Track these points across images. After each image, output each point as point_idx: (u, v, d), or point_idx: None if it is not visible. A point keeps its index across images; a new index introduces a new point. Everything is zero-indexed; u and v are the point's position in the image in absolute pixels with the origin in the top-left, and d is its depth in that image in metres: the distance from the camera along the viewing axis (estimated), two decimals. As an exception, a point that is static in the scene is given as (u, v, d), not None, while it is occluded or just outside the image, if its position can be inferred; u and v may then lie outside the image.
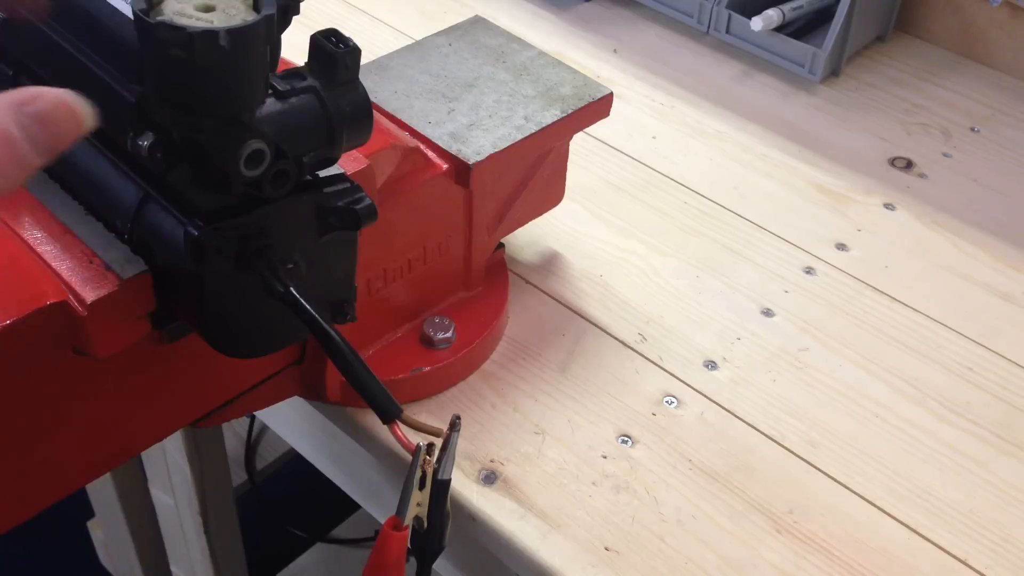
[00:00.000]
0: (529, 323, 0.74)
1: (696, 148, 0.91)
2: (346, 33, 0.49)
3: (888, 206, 0.87)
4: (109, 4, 0.47)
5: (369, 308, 0.64)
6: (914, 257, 0.82)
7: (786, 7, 0.99)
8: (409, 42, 0.83)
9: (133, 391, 0.56)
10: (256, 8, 0.45)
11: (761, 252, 0.81)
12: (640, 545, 0.61)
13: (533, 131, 0.67)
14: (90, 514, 1.50)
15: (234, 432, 1.63)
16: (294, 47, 0.56)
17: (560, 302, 0.76)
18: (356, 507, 1.61)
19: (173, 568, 1.40)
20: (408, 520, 0.52)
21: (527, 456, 0.65)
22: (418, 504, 0.53)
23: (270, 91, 0.47)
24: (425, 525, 0.54)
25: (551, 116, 0.68)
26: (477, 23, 0.76)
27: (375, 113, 0.51)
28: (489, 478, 0.64)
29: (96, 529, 1.54)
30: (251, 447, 1.63)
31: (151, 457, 1.19)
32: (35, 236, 0.51)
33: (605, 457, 0.66)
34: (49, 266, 0.49)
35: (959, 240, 0.84)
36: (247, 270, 0.48)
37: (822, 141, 0.93)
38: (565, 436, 0.67)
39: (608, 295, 0.76)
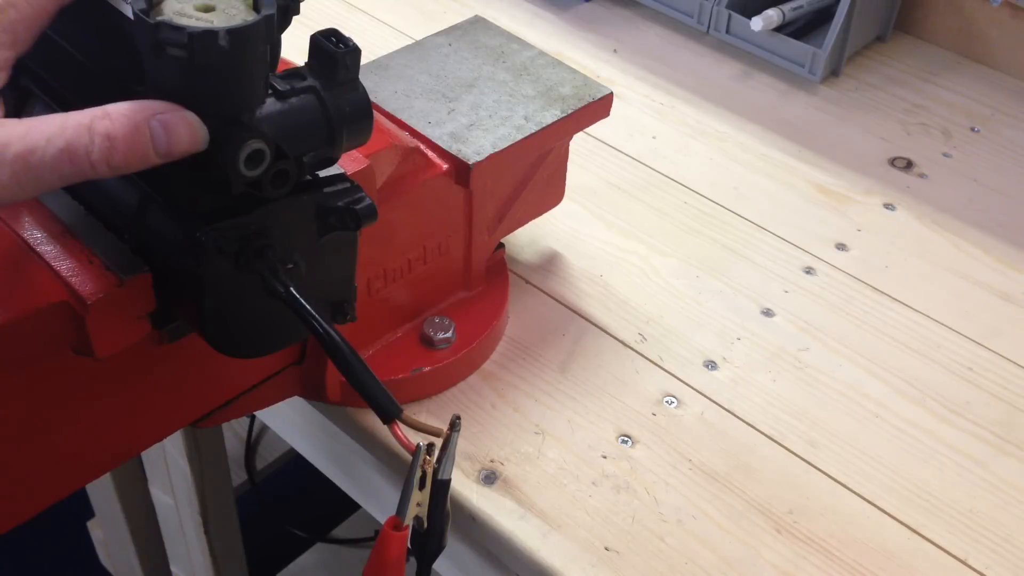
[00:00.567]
0: (529, 323, 0.74)
1: (696, 148, 0.91)
2: (346, 33, 0.49)
3: (888, 206, 0.87)
4: (109, 4, 0.47)
5: (369, 308, 0.64)
6: (914, 257, 0.82)
7: (786, 7, 0.99)
8: (409, 42, 0.84)
9: (133, 391, 0.56)
10: (256, 8, 0.45)
11: (761, 252, 0.81)
12: (640, 545, 0.61)
13: (533, 131, 0.67)
14: (90, 514, 1.50)
15: (234, 432, 1.63)
16: (294, 47, 0.56)
17: (560, 302, 0.76)
18: (356, 507, 1.61)
19: (173, 568, 1.40)
20: (408, 520, 0.52)
21: (527, 456, 0.65)
22: (418, 504, 0.53)
23: (270, 91, 0.47)
24: (425, 525, 0.54)
25: (551, 116, 0.68)
26: (477, 23, 0.76)
27: (375, 113, 0.51)
28: (489, 478, 0.64)
29: (96, 529, 1.54)
30: (251, 447, 1.63)
31: (151, 457, 1.19)
32: (35, 236, 0.51)
33: (605, 457, 0.66)
34: (49, 266, 0.49)
35: (959, 240, 0.84)
36: (247, 270, 0.48)
37: (822, 141, 0.93)
38: (565, 436, 0.67)
39: (608, 295, 0.76)
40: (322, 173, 0.52)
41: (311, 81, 0.49)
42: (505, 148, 0.66)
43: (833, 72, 1.01)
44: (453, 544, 0.58)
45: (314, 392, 0.66)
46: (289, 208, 0.49)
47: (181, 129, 0.44)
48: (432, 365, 0.67)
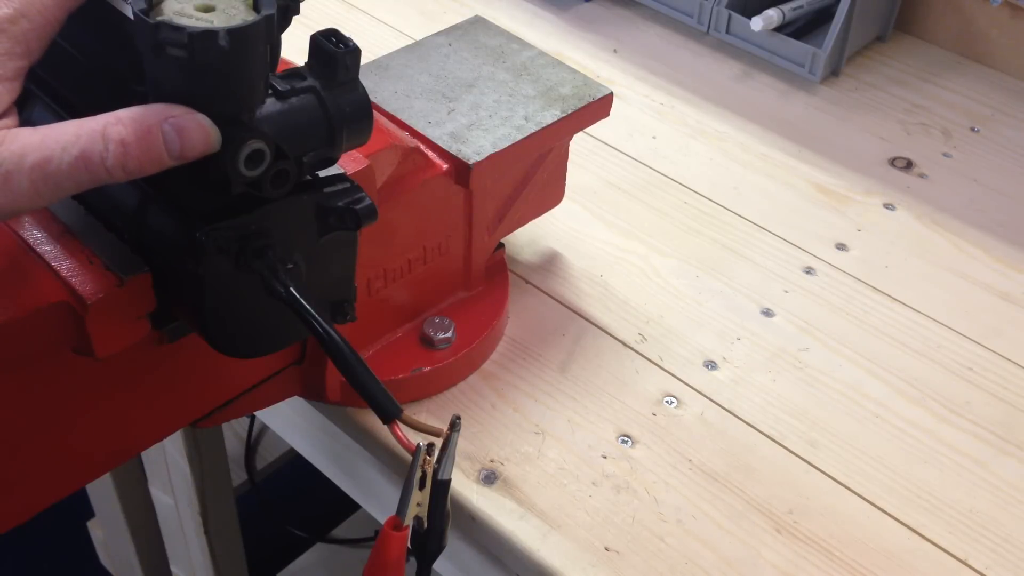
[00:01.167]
0: (529, 323, 0.74)
1: (696, 148, 0.91)
2: (346, 33, 0.49)
3: (888, 206, 0.87)
4: (109, 4, 0.47)
5: (369, 308, 0.64)
6: (914, 257, 0.82)
7: (786, 7, 0.99)
8: (409, 42, 0.84)
9: (133, 391, 0.56)
10: (256, 8, 0.45)
11: (761, 252, 0.81)
12: (640, 545, 0.61)
13: (533, 131, 0.67)
14: (90, 514, 1.50)
15: (234, 432, 1.63)
16: (294, 47, 0.56)
17: (560, 302, 0.76)
18: (356, 507, 1.61)
19: (173, 568, 1.40)
20: (408, 520, 0.52)
21: (527, 456, 0.65)
22: (418, 504, 0.53)
23: (270, 91, 0.47)
24: (425, 525, 0.54)
25: (551, 116, 0.68)
26: (477, 23, 0.76)
27: (375, 113, 0.51)
28: (489, 478, 0.64)
29: (96, 529, 1.54)
30: (251, 447, 1.63)
31: (151, 457, 1.19)
32: (35, 236, 0.51)
33: (605, 457, 0.66)
34: (49, 266, 0.49)
35: (959, 240, 0.84)
36: (247, 270, 0.48)
37: (822, 141, 0.93)
38: (565, 436, 0.67)
39: (608, 295, 0.76)
40: (322, 173, 0.52)
41: (311, 81, 0.49)
42: (505, 148, 0.66)
43: (833, 72, 1.01)
44: (453, 544, 0.58)
45: (314, 392, 0.66)
46: (289, 208, 0.49)
47: (194, 132, 0.44)
48: (432, 365, 0.67)
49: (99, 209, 0.52)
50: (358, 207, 0.51)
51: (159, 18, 0.43)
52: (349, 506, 1.62)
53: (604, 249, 0.80)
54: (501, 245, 0.75)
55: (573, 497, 0.63)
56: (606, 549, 0.61)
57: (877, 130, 0.95)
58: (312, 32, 0.49)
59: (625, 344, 0.73)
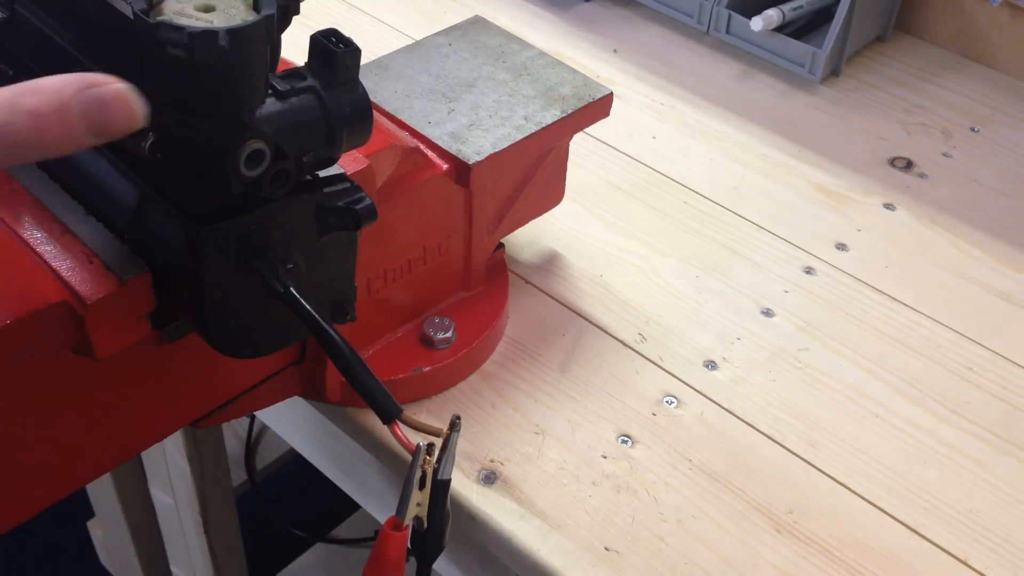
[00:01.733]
0: (529, 323, 0.74)
1: (696, 148, 0.91)
2: (346, 33, 0.49)
3: (888, 206, 0.87)
4: (109, 4, 0.47)
5: (369, 308, 0.64)
6: (914, 257, 0.82)
7: (786, 7, 0.99)
8: (409, 42, 0.84)
9: (133, 391, 0.56)
10: (256, 8, 0.45)
11: (761, 252, 0.81)
12: (640, 545, 0.61)
13: (533, 131, 0.67)
14: (90, 514, 1.50)
15: (234, 432, 1.63)
16: (294, 47, 0.56)
17: (560, 302, 0.76)
18: (356, 507, 1.61)
19: (173, 568, 1.40)
20: (408, 520, 0.52)
21: (527, 456, 0.65)
22: (418, 504, 0.53)
23: (270, 91, 0.47)
24: (425, 525, 0.54)
25: (551, 116, 0.68)
26: (477, 23, 0.76)
27: (375, 113, 0.51)
28: (489, 478, 0.64)
29: (96, 529, 1.54)
30: (251, 447, 1.63)
31: (151, 457, 1.19)
32: (35, 236, 0.51)
33: (605, 457, 0.66)
34: (49, 266, 0.49)
35: (959, 240, 0.84)
36: (247, 270, 0.48)
37: (822, 141, 0.93)
38: (565, 436, 0.67)
39: (608, 295, 0.76)
40: (322, 173, 0.52)
41: (311, 81, 0.49)
42: (505, 148, 0.66)
43: (833, 72, 1.01)
44: (453, 544, 0.58)
45: (314, 392, 0.66)
46: (289, 208, 0.49)
47: (114, 105, 0.39)
48: (432, 365, 0.67)
49: (99, 209, 0.52)
50: (358, 207, 0.51)
51: (159, 18, 0.43)
52: (349, 506, 1.62)
53: (604, 249, 0.80)
54: (501, 245, 0.75)
55: (573, 497, 0.63)
56: (606, 549, 0.61)
57: (877, 130, 0.95)
58: (312, 32, 0.49)
59: (625, 344, 0.73)
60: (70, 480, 0.57)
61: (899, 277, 0.80)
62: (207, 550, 1.24)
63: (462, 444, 0.65)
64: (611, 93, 0.71)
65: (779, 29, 1.00)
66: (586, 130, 0.73)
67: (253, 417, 1.49)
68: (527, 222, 0.76)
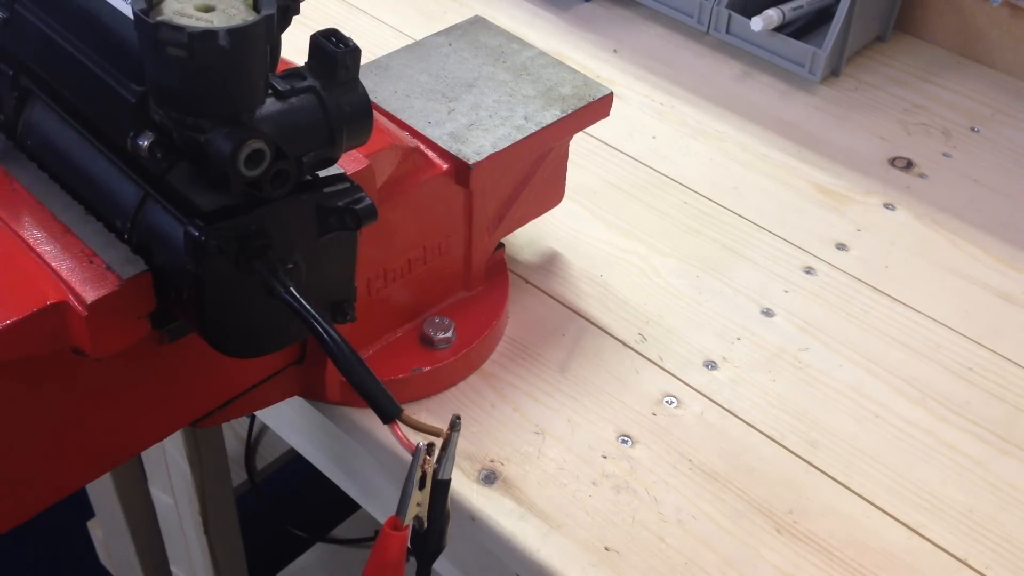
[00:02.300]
0: (529, 323, 0.74)
1: (696, 148, 0.91)
2: (346, 33, 0.49)
3: (888, 206, 0.87)
4: (109, 4, 0.47)
5: (369, 308, 0.64)
6: (914, 257, 0.82)
7: (786, 7, 0.99)
8: (409, 42, 0.84)
9: (133, 391, 0.56)
10: (256, 8, 0.45)
11: (761, 252, 0.81)
12: (640, 545, 0.61)
13: (533, 131, 0.67)
14: (90, 514, 1.50)
15: (234, 432, 1.63)
16: (294, 47, 0.56)
17: (560, 302, 0.76)
18: (356, 507, 1.61)
19: (173, 568, 1.40)
20: (408, 520, 0.52)
21: (527, 456, 0.65)
22: (418, 504, 0.53)
23: (270, 91, 0.47)
24: (425, 525, 0.54)
25: (551, 116, 0.68)
26: (477, 23, 0.76)
27: (375, 113, 0.51)
28: (489, 478, 0.64)
29: (96, 529, 1.54)
30: (251, 447, 1.63)
31: (151, 457, 1.19)
32: (35, 236, 0.51)
33: (605, 457, 0.66)
34: (49, 266, 0.49)
35: (959, 240, 0.84)
36: (247, 270, 0.48)
37: (822, 141, 0.93)
38: (565, 436, 0.67)
39: (608, 295, 0.76)
40: (322, 173, 0.52)
41: (311, 81, 0.49)
42: (505, 148, 0.66)
43: (833, 72, 1.01)
44: (453, 544, 0.58)
45: (314, 392, 0.66)
46: (289, 208, 0.49)
47: None
48: (432, 365, 0.67)
49: (99, 209, 0.52)
50: (358, 207, 0.51)
51: (159, 18, 0.43)
52: (349, 506, 1.62)
53: (604, 249, 0.80)
54: (501, 245, 0.75)
55: (573, 497, 0.63)
56: (606, 549, 0.61)
57: (877, 130, 0.95)
58: (312, 32, 0.49)
59: (625, 344, 0.73)
60: (70, 480, 0.57)
61: (899, 277, 0.80)
62: (207, 550, 1.24)
63: (462, 444, 0.65)
64: (611, 93, 0.71)
65: (779, 29, 1.00)
66: (586, 130, 0.73)
67: (253, 417, 1.49)
68: (527, 222, 0.76)
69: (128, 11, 0.45)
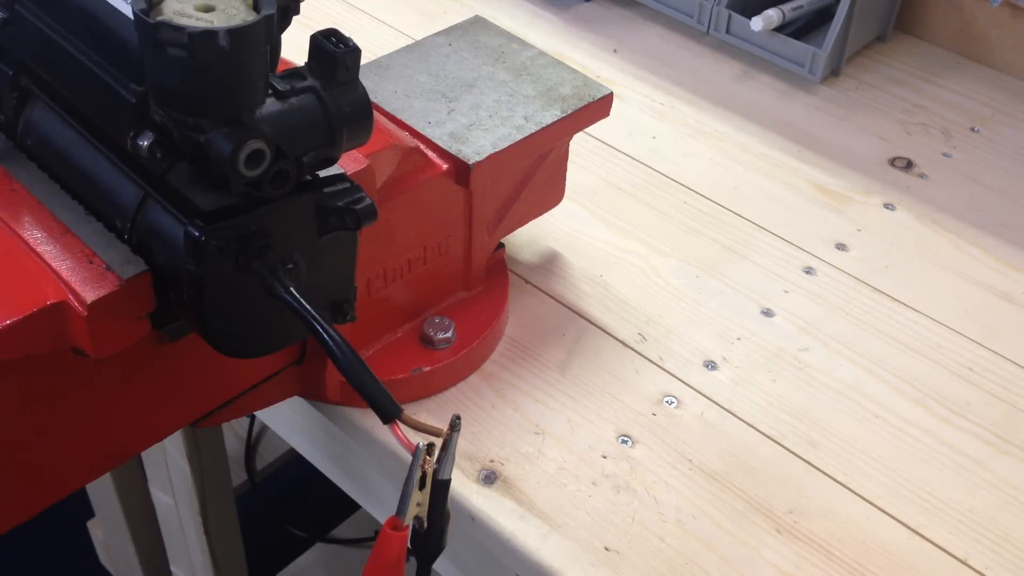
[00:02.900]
0: (529, 323, 0.74)
1: (696, 148, 0.91)
2: (346, 33, 0.49)
3: (888, 206, 0.87)
4: (109, 4, 0.47)
5: (369, 308, 0.64)
6: (914, 257, 0.82)
7: (786, 7, 0.99)
8: (409, 42, 0.84)
9: (133, 391, 0.56)
10: (256, 8, 0.45)
11: (761, 252, 0.81)
12: (640, 545, 0.61)
13: (533, 131, 0.67)
14: (90, 514, 1.50)
15: (234, 432, 1.63)
16: (294, 47, 0.56)
17: (560, 302, 0.76)
18: (356, 507, 1.61)
19: (173, 568, 1.40)
20: (408, 520, 0.52)
21: (527, 456, 0.65)
22: (418, 504, 0.53)
23: (270, 91, 0.47)
24: (425, 525, 0.54)
25: (551, 116, 0.68)
26: (477, 23, 0.76)
27: (375, 113, 0.51)
28: (489, 478, 0.64)
29: (96, 529, 1.54)
30: (251, 447, 1.63)
31: (151, 457, 1.19)
32: (35, 236, 0.51)
33: (605, 457, 0.66)
34: (49, 266, 0.49)
35: (959, 240, 0.84)
36: (247, 270, 0.48)
37: (822, 141, 0.93)
38: (565, 436, 0.67)
39: (608, 295, 0.76)
40: (322, 173, 0.52)
41: (311, 81, 0.49)
42: (505, 148, 0.66)
43: (833, 72, 1.01)
44: (453, 544, 0.58)
45: (314, 392, 0.66)
46: (289, 208, 0.49)
47: None
48: (432, 365, 0.67)
49: (99, 209, 0.52)
50: (358, 207, 0.51)
51: (159, 18, 0.43)
52: (349, 506, 1.62)
53: (604, 249, 0.80)
54: (501, 245, 0.75)
55: (573, 497, 0.63)
56: (606, 549, 0.61)
57: (877, 130, 0.95)
58: (312, 32, 0.49)
59: (625, 344, 0.73)
60: (70, 480, 0.57)
61: (899, 277, 0.80)
62: (207, 550, 1.24)
63: (462, 444, 0.65)
64: (611, 93, 0.71)
65: (779, 29, 1.00)
66: (586, 130, 0.73)
67: (253, 417, 1.49)
68: (527, 222, 0.76)
69: (128, 11, 0.45)
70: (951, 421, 0.70)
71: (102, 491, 1.36)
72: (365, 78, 0.51)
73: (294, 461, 1.63)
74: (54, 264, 0.49)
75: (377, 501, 0.80)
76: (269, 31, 0.44)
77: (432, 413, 0.67)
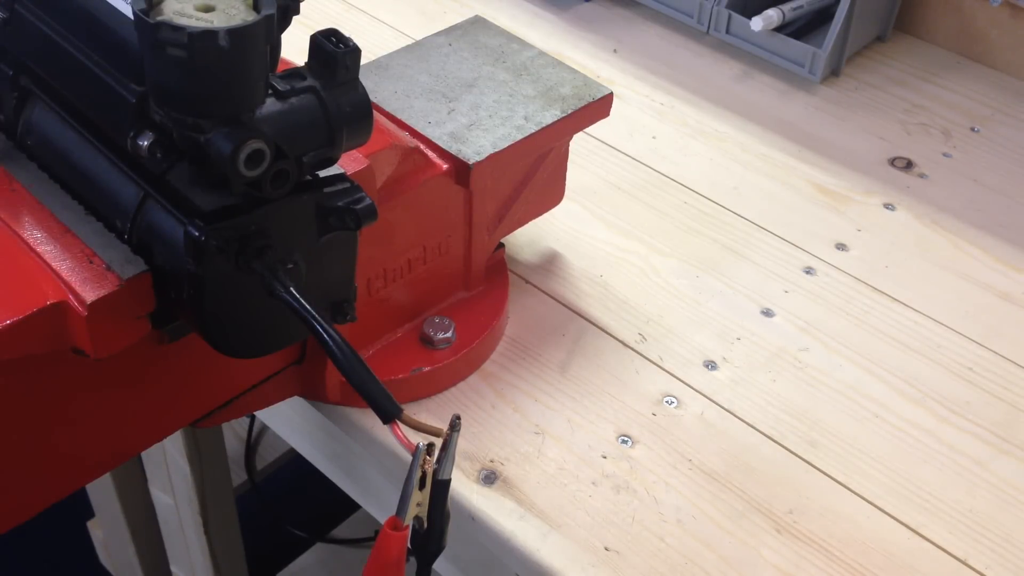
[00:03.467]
0: (529, 323, 0.74)
1: (696, 148, 0.91)
2: (346, 33, 0.49)
3: (888, 206, 0.87)
4: (109, 4, 0.47)
5: (369, 308, 0.64)
6: (914, 257, 0.82)
7: (786, 7, 0.99)
8: (409, 42, 0.84)
9: (133, 391, 0.56)
10: (256, 8, 0.45)
11: (761, 252, 0.81)
12: (640, 545, 0.61)
13: (533, 131, 0.67)
14: (90, 514, 1.50)
15: (234, 432, 1.63)
16: (294, 47, 0.56)
17: (560, 302, 0.76)
18: (356, 507, 1.61)
19: (173, 568, 1.40)
20: (408, 520, 0.52)
21: (527, 456, 0.65)
22: (418, 504, 0.53)
23: (270, 91, 0.47)
24: (425, 525, 0.54)
25: (551, 116, 0.68)
26: (477, 23, 0.76)
27: (375, 113, 0.51)
28: (489, 478, 0.64)
29: (96, 529, 1.54)
30: (251, 447, 1.63)
31: (151, 457, 1.19)
32: (35, 236, 0.51)
33: (605, 457, 0.66)
34: (49, 266, 0.49)
35: (959, 240, 0.84)
36: (247, 270, 0.48)
37: (822, 141, 0.93)
38: (565, 436, 0.67)
39: (608, 295, 0.76)
40: (322, 173, 0.52)
41: (311, 81, 0.49)
42: (505, 148, 0.66)
43: (833, 72, 1.01)
44: (453, 544, 0.58)
45: (314, 392, 0.66)
46: (289, 208, 0.49)
47: None
48: (432, 365, 0.67)
49: (99, 209, 0.52)
50: (358, 207, 0.51)
51: (159, 18, 0.43)
52: (349, 506, 1.62)
53: (604, 249, 0.80)
54: (501, 245, 0.75)
55: (573, 497, 0.63)
56: (606, 549, 0.61)
57: (877, 130, 0.95)
58: (312, 32, 0.49)
59: (625, 344, 0.73)
60: (70, 480, 0.57)
61: (899, 277, 0.80)
62: (207, 550, 1.24)
63: (462, 444, 0.65)
64: (611, 93, 0.71)
65: (779, 29, 1.00)
66: (586, 130, 0.73)
67: (253, 417, 1.49)
68: (527, 222, 0.76)
69: (128, 11, 0.45)
70: (951, 421, 0.70)
71: (102, 491, 1.36)
72: (365, 78, 0.51)
73: (294, 461, 1.63)
74: (54, 264, 0.49)
75: (377, 501, 0.80)
76: (269, 31, 0.44)
77: (432, 413, 0.67)
